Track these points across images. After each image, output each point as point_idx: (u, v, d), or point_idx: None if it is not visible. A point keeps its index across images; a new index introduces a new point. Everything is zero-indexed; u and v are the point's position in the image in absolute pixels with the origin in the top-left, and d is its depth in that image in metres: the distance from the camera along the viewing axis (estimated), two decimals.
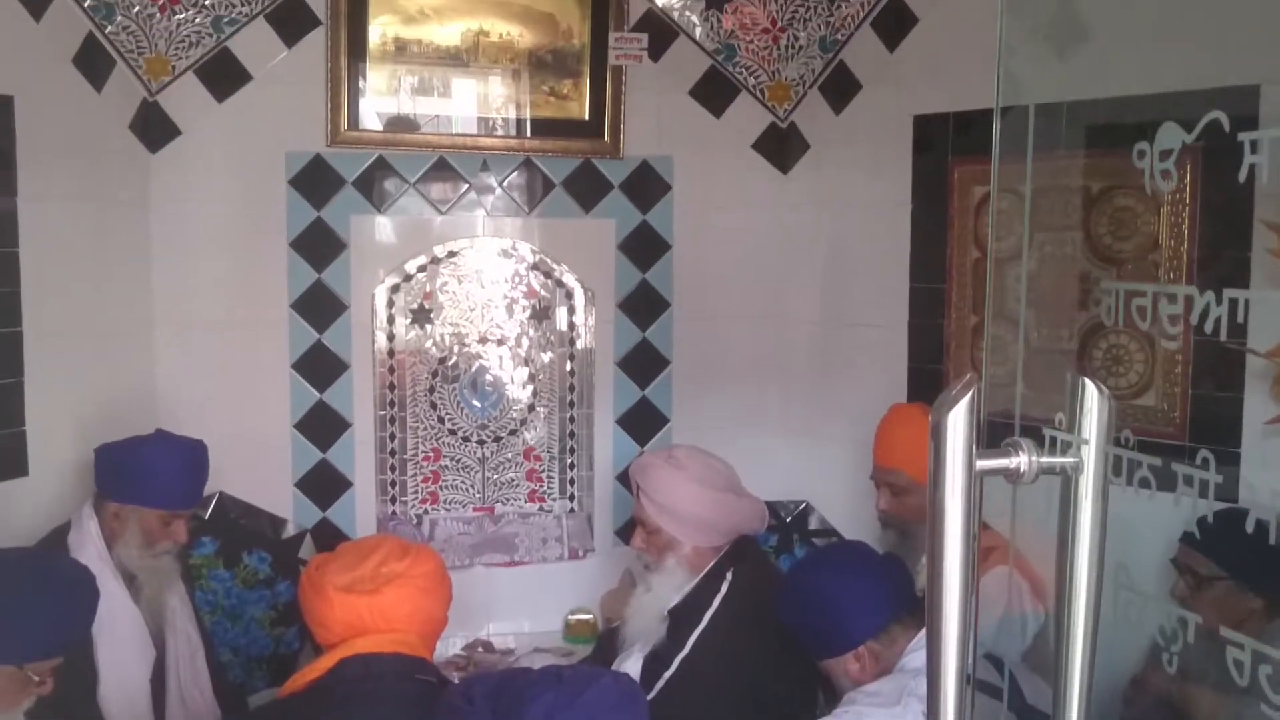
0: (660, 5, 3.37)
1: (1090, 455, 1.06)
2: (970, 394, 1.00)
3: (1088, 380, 1.08)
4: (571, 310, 3.53)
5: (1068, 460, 1.07)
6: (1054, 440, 1.09)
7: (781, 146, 3.46)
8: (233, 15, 3.13)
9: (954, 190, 3.09)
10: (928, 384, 3.15)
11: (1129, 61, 2.36)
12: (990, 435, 1.10)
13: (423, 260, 3.41)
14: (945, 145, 3.10)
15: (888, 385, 3.22)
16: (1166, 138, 1.04)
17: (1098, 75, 2.43)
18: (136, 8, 3.02)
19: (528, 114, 3.38)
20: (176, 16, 3.08)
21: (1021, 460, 1.05)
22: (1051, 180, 2.64)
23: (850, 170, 3.36)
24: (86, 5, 2.92)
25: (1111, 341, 2.65)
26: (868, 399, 3.10)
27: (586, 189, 3.45)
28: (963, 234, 3.09)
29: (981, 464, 1.01)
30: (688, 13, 3.38)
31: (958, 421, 0.98)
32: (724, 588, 2.63)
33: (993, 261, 2.60)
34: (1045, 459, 1.06)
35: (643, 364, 3.55)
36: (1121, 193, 2.57)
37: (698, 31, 3.39)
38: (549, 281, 3.51)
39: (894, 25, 3.21)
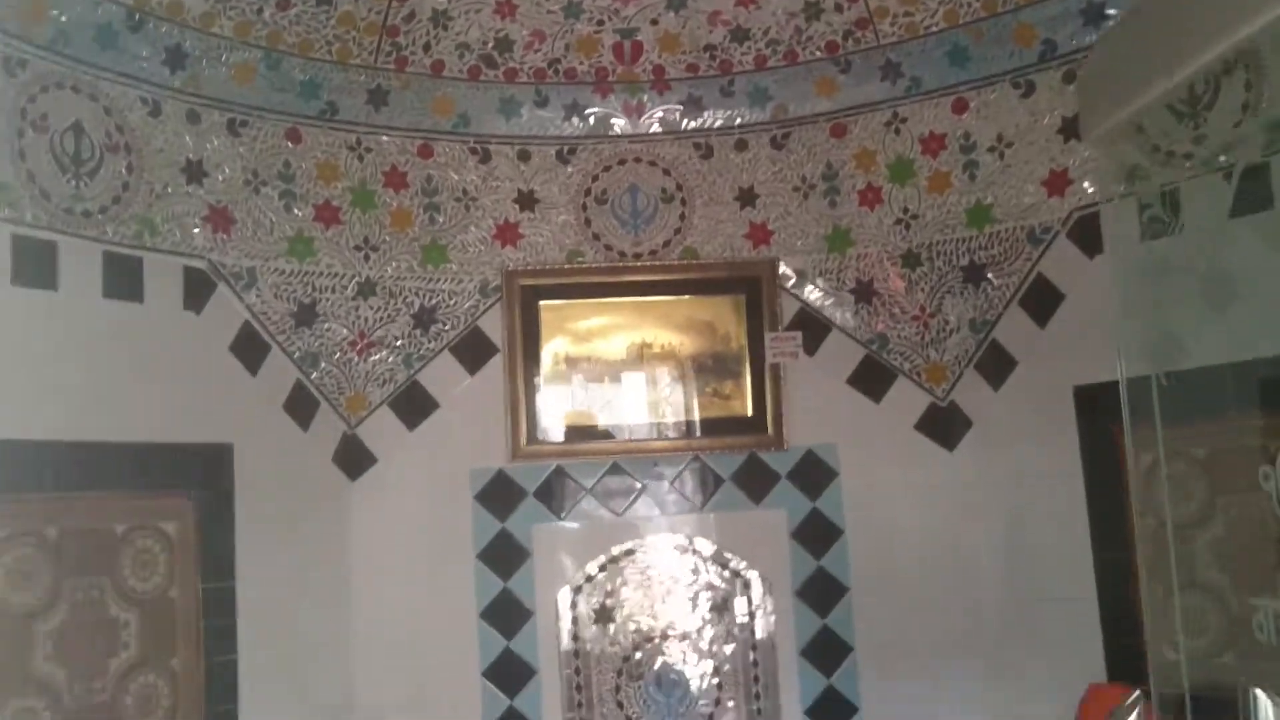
0: (811, 303, 3.56)
1: None
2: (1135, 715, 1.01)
3: (1258, 693, 1.07)
4: (750, 601, 3.55)
5: None
6: None
7: (944, 425, 3.51)
8: (421, 351, 3.46)
9: (1126, 457, 3.05)
10: (1126, 659, 3.01)
11: None
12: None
13: (602, 560, 3.53)
14: (1109, 413, 3.09)
15: (1083, 662, 3.08)
16: None
17: (1265, 332, 2.42)
18: (337, 354, 3.37)
19: (695, 415, 3.56)
20: (372, 358, 3.41)
21: None
22: (1227, 442, 2.60)
23: (1016, 443, 3.36)
24: (295, 357, 3.28)
25: None
26: (1066, 677, 2.98)
27: (754, 482, 3.55)
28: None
29: None
30: (838, 307, 3.55)
31: None
32: None
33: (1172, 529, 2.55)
34: None
35: (826, 651, 3.51)
36: None
37: (850, 324, 3.55)
38: (726, 573, 3.56)
39: (1041, 302, 3.29)
